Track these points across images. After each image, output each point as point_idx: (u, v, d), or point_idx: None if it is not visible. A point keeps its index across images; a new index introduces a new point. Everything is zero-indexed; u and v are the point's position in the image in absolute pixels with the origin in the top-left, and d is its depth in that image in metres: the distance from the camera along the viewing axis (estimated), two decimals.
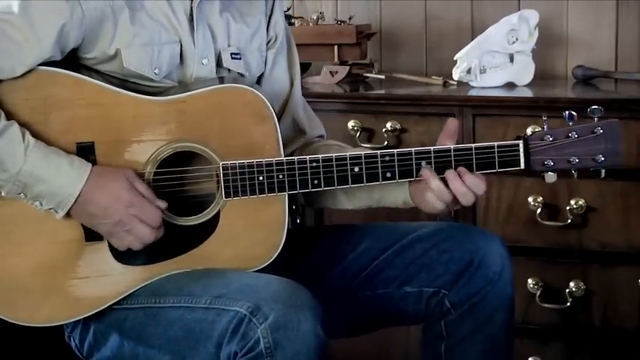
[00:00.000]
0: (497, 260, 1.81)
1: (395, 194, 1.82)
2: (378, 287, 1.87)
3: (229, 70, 1.84)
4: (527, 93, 2.55)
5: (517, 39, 2.58)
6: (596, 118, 1.73)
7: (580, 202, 2.34)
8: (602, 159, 1.72)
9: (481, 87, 2.59)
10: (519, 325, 2.31)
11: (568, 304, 2.39)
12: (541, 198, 2.37)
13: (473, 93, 2.55)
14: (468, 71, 2.60)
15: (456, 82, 2.65)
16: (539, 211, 2.38)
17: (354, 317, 1.90)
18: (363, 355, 2.60)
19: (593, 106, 1.73)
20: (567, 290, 2.39)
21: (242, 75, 1.87)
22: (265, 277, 1.68)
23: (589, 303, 2.39)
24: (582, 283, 2.39)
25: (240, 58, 1.85)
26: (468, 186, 1.71)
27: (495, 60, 2.60)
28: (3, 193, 1.64)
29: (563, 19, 2.78)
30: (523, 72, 2.62)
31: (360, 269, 1.88)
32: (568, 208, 2.36)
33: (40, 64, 1.66)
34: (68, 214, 1.66)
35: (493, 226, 2.40)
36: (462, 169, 1.72)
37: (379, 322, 1.95)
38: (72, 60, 1.72)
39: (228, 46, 1.84)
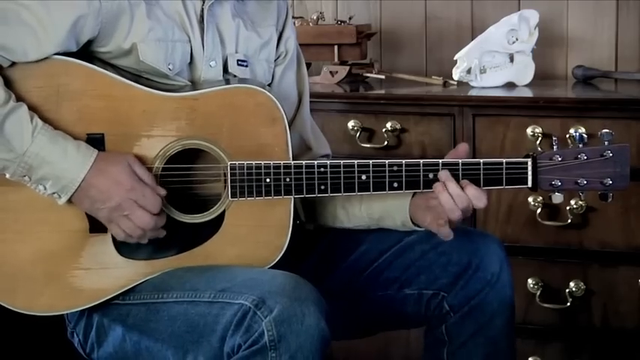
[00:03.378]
0: (496, 262, 1.81)
1: (394, 215, 1.82)
2: (378, 289, 1.87)
3: (235, 76, 1.84)
4: (527, 93, 2.55)
5: (517, 39, 2.58)
6: (606, 142, 1.72)
7: (580, 202, 2.34)
8: (610, 182, 1.72)
9: (481, 87, 2.60)
10: (519, 325, 2.30)
11: (568, 304, 2.39)
12: (541, 198, 2.37)
13: (473, 93, 2.55)
14: (468, 71, 2.60)
15: (456, 82, 2.65)
16: (539, 211, 2.38)
17: (355, 320, 1.90)
18: (363, 355, 2.60)
19: (604, 130, 1.72)
20: (567, 290, 2.39)
21: None
22: (270, 272, 1.68)
23: (589, 303, 2.39)
24: (582, 283, 2.39)
25: (246, 66, 1.85)
26: (468, 196, 1.71)
27: (495, 60, 2.60)
28: (7, 175, 1.65)
29: (563, 19, 2.78)
30: (523, 72, 2.62)
31: (359, 271, 1.88)
32: (568, 208, 2.36)
33: (56, 54, 1.67)
34: (70, 201, 1.66)
35: (493, 226, 2.40)
36: (465, 181, 1.72)
37: (379, 325, 1.96)
38: (87, 53, 1.73)
39: (236, 52, 1.85)
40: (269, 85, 1.92)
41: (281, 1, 1.95)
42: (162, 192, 1.69)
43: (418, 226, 1.82)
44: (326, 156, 2.00)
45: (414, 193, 1.80)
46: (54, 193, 1.65)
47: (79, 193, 1.65)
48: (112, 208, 1.66)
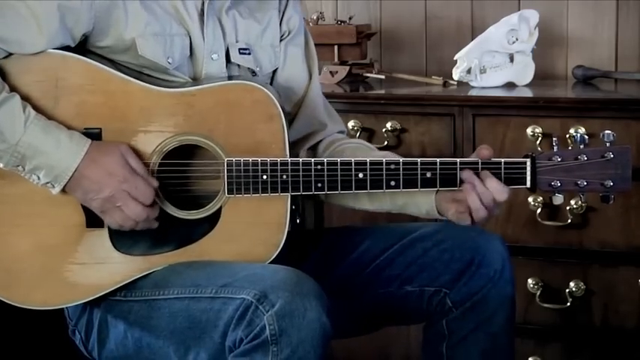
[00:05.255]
0: (498, 259, 1.81)
1: (419, 202, 1.80)
2: (379, 287, 1.87)
3: (239, 66, 1.84)
4: (527, 93, 2.55)
5: (517, 39, 2.58)
6: (607, 143, 1.71)
7: (580, 202, 2.34)
8: (611, 184, 1.71)
9: (481, 87, 2.59)
10: (519, 325, 2.30)
11: (568, 304, 2.39)
12: (541, 198, 2.37)
13: (473, 93, 2.55)
14: (468, 71, 2.60)
15: (456, 82, 2.65)
16: (539, 211, 2.38)
17: (356, 317, 1.90)
18: (363, 355, 2.60)
19: (606, 131, 1.71)
20: (567, 290, 2.39)
21: (253, 71, 1.87)
22: (271, 267, 1.69)
23: (589, 303, 2.39)
24: (582, 283, 2.39)
25: (249, 54, 1.86)
26: (490, 190, 1.70)
27: (495, 60, 2.60)
28: (1, 165, 1.66)
29: (563, 19, 2.78)
30: (523, 72, 2.62)
31: (361, 269, 1.88)
32: (568, 208, 2.36)
33: (54, 49, 1.68)
34: (64, 191, 1.67)
35: (493, 226, 2.40)
36: (485, 172, 1.70)
37: (380, 322, 1.96)
38: (87, 49, 1.74)
39: (237, 41, 1.85)
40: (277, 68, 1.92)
41: None
42: (155, 183, 1.70)
43: (442, 215, 1.80)
44: (341, 132, 1.99)
45: None
46: (47, 182, 1.66)
47: (72, 183, 1.66)
48: (105, 199, 1.67)
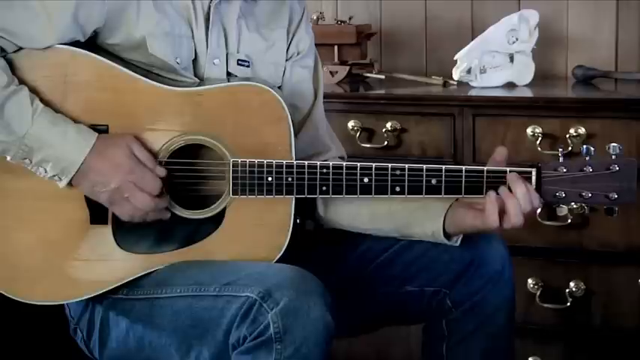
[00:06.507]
0: (498, 259, 1.81)
1: (425, 223, 1.79)
2: (379, 287, 1.87)
3: (236, 76, 1.83)
4: (527, 93, 2.55)
5: (517, 39, 2.58)
6: (613, 156, 1.70)
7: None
8: (616, 197, 1.70)
9: (481, 87, 2.59)
10: (519, 325, 2.30)
11: (568, 304, 2.39)
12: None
13: (473, 93, 2.55)
14: (468, 71, 2.60)
15: (456, 82, 2.65)
16: (539, 211, 2.37)
17: (356, 317, 1.89)
18: (363, 355, 2.60)
19: (613, 144, 1.70)
20: (567, 290, 2.39)
21: None
22: (275, 265, 1.69)
23: (589, 303, 2.39)
24: (582, 283, 2.39)
25: (248, 66, 1.85)
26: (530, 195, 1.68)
27: (495, 60, 2.60)
28: (8, 158, 1.66)
29: (563, 19, 2.78)
30: (523, 72, 2.62)
31: (361, 269, 1.88)
32: (568, 207, 2.35)
33: (64, 44, 1.68)
34: (70, 184, 1.67)
35: None
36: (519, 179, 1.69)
37: (381, 322, 1.96)
38: (97, 45, 1.74)
39: (237, 52, 1.84)
40: (279, 87, 1.91)
41: (296, 2, 1.93)
42: (162, 173, 1.69)
43: (448, 239, 1.79)
44: (341, 158, 1.99)
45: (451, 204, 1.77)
46: (54, 175, 1.66)
47: (79, 176, 1.66)
48: (112, 191, 1.67)
